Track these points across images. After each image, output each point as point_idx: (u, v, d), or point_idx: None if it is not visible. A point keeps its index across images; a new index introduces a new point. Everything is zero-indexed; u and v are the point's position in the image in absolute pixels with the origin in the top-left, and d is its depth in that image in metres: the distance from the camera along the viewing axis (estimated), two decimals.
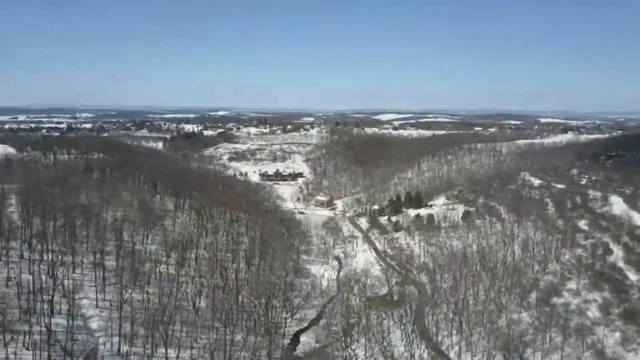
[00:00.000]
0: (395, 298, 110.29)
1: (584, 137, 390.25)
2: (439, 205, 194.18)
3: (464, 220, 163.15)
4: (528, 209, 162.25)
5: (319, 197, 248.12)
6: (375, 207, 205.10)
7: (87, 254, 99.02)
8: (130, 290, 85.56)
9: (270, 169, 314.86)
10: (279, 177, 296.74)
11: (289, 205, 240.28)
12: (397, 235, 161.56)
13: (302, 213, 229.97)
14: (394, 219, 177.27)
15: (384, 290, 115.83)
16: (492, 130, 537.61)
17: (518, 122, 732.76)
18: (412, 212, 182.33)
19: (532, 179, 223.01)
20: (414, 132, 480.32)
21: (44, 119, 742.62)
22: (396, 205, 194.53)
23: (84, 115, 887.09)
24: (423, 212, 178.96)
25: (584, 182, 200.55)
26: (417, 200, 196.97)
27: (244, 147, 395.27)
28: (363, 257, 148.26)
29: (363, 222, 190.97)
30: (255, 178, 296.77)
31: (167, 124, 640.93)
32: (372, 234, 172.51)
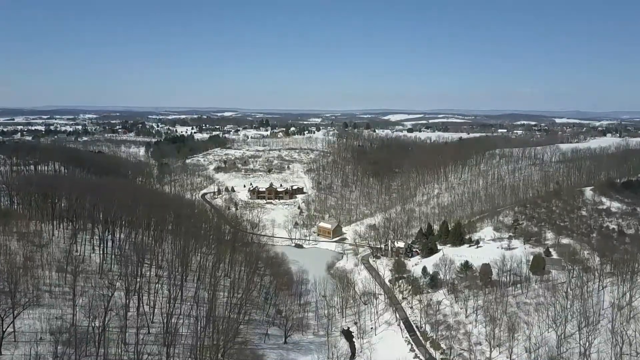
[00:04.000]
0: None
1: (633, 142, 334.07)
2: (486, 240, 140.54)
3: (535, 271, 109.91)
4: (622, 253, 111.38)
5: (322, 224, 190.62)
6: (400, 244, 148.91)
7: None
8: None
9: (263, 183, 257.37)
10: (272, 193, 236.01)
11: (283, 234, 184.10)
12: (436, 296, 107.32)
13: (299, 247, 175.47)
14: (429, 265, 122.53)
15: None
16: (519, 132, 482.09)
17: (533, 123, 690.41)
18: (452, 252, 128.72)
19: (604, 199, 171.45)
20: (432, 135, 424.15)
21: (43, 121, 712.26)
22: (428, 241, 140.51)
23: (87, 116, 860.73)
24: (469, 253, 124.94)
25: None
26: (457, 232, 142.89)
27: (237, 153, 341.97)
28: (387, 339, 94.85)
29: (383, 266, 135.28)
30: (243, 195, 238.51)
31: (160, 125, 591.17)
32: (398, 290, 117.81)
